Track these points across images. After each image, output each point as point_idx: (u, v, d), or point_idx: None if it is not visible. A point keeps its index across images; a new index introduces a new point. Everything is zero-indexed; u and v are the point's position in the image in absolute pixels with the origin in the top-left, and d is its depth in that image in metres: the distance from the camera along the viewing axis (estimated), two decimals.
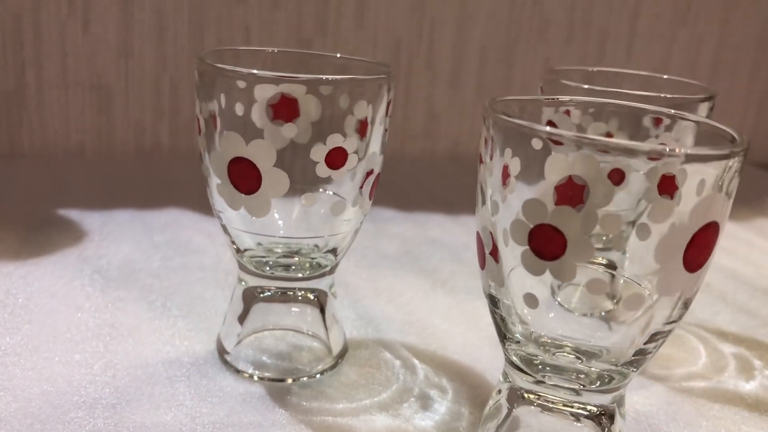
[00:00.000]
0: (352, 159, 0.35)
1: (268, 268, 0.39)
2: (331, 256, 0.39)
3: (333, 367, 0.40)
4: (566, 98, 0.35)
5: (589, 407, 0.32)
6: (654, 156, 0.26)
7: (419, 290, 0.50)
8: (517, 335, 0.31)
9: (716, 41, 0.94)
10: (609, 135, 0.36)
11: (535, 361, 0.31)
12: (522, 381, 0.32)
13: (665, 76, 0.44)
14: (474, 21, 0.82)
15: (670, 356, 0.45)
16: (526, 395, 0.32)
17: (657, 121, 0.36)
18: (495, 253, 0.29)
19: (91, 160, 0.73)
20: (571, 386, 0.31)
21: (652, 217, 0.26)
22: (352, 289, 0.49)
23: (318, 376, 0.39)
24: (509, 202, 0.28)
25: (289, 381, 0.38)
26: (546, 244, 0.27)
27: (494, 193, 0.29)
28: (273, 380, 0.38)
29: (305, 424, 0.35)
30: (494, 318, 0.31)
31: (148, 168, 0.71)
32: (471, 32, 0.83)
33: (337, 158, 0.34)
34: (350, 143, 0.35)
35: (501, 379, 0.33)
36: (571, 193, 0.27)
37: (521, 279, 0.28)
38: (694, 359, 0.44)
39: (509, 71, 0.85)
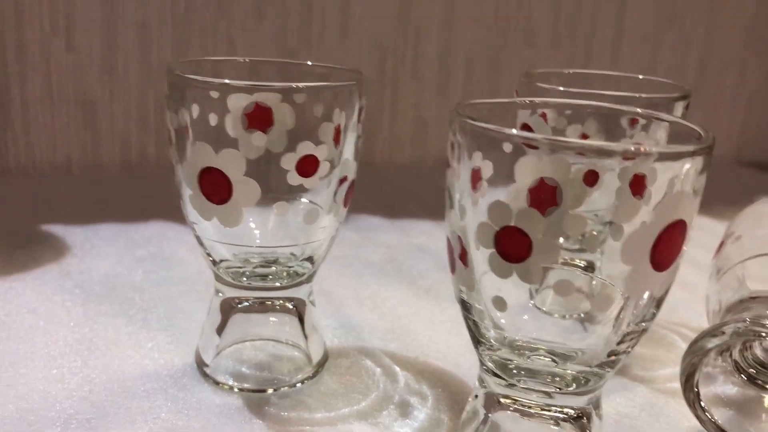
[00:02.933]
0: (324, 166, 0.35)
1: (245, 279, 0.38)
2: (308, 264, 0.39)
3: (313, 376, 0.40)
4: (538, 100, 0.35)
5: (566, 410, 0.31)
6: (610, 154, 0.26)
7: (403, 297, 0.50)
8: (491, 340, 0.31)
9: (703, 42, 0.94)
10: (585, 137, 0.36)
11: (510, 366, 0.31)
12: (497, 386, 0.31)
13: (641, 77, 0.44)
14: (459, 28, 0.82)
15: (654, 357, 0.44)
16: (502, 400, 0.32)
17: (633, 122, 0.35)
18: (464, 257, 0.29)
19: (78, 175, 0.73)
20: (547, 389, 0.31)
21: (617, 217, 0.26)
22: (335, 298, 0.49)
23: (298, 385, 0.39)
24: (480, 206, 0.28)
25: (269, 391, 0.38)
26: (511, 247, 0.27)
27: (462, 197, 0.29)
28: (252, 391, 0.38)
29: None
30: (467, 323, 0.31)
31: (135, 181, 0.71)
32: (456, 39, 0.83)
33: (308, 166, 0.34)
34: (322, 150, 0.34)
35: (477, 384, 0.33)
36: (544, 195, 0.27)
37: (495, 283, 0.28)
38: (679, 360, 0.44)
39: (496, 77, 0.85)
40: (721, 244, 0.44)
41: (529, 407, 0.32)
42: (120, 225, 0.59)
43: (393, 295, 0.50)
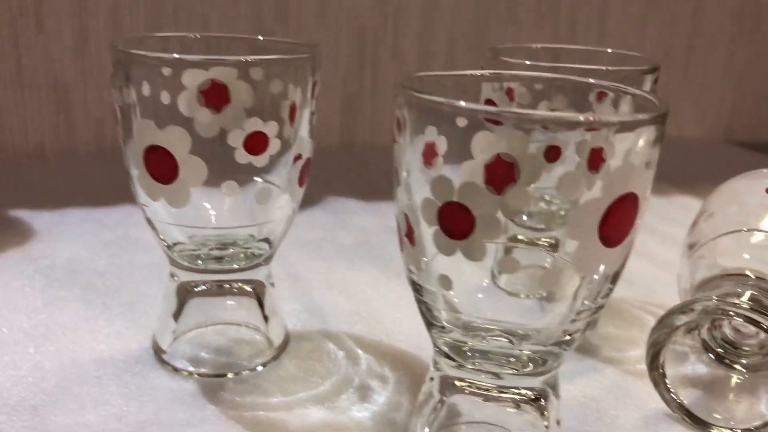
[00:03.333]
0: (274, 144, 0.34)
1: (200, 262, 0.37)
2: (265, 246, 0.38)
3: (273, 360, 0.39)
4: (490, 73, 0.34)
5: (523, 391, 0.31)
6: (565, 124, 0.25)
7: (372, 281, 0.49)
8: (444, 322, 0.29)
9: (690, 20, 0.92)
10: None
11: (464, 348, 0.30)
12: (451, 368, 0.30)
13: (609, 50, 0.43)
14: (441, 7, 0.81)
15: (627, 338, 0.43)
16: (457, 383, 0.31)
17: (600, 97, 0.34)
18: (411, 235, 0.28)
19: (52, 159, 0.72)
20: (503, 371, 0.30)
21: (562, 192, 0.25)
22: (303, 282, 0.48)
23: (258, 369, 0.38)
24: (429, 182, 0.27)
25: (229, 376, 0.37)
26: (454, 223, 0.26)
27: (409, 174, 0.28)
28: (210, 376, 0.37)
29: (236, 420, 0.34)
30: (419, 305, 0.30)
31: (109, 166, 0.70)
32: (438, 19, 0.81)
33: (257, 143, 0.33)
34: (271, 127, 0.33)
35: (431, 367, 0.32)
36: (501, 171, 0.26)
37: (446, 263, 0.27)
38: None
39: (478, 57, 0.84)
40: (695, 222, 0.43)
41: (486, 390, 0.31)
42: (89, 209, 0.58)
43: (363, 278, 0.49)
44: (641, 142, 0.26)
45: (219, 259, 0.38)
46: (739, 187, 0.43)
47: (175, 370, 0.37)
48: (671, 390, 0.35)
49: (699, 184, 0.42)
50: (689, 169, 0.81)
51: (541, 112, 0.28)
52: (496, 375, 0.29)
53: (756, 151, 0.90)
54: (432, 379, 0.32)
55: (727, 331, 0.38)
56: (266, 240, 0.38)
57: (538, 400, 0.31)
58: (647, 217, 0.62)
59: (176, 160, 0.32)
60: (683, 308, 0.34)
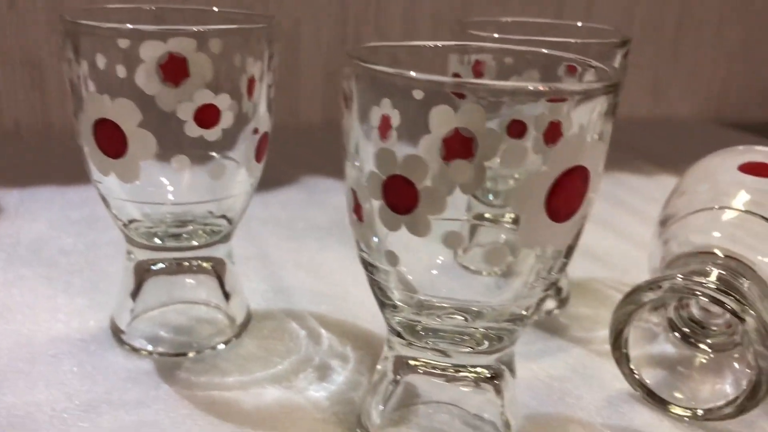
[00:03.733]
0: (226, 116, 0.33)
1: (157, 240, 0.37)
2: (224, 222, 0.37)
3: (233, 339, 0.38)
4: (442, 43, 0.33)
5: (478, 369, 0.30)
6: (520, 95, 0.24)
7: (343, 261, 0.48)
8: (396, 301, 0.29)
9: None
10: None
11: (417, 327, 0.29)
12: (405, 348, 0.30)
13: (579, 24, 0.42)
14: None
15: (596, 318, 0.43)
16: (411, 362, 0.30)
17: (570, 70, 0.33)
18: (359, 211, 0.27)
19: (27, 137, 0.71)
20: (458, 349, 0.29)
21: (504, 164, 0.24)
22: (272, 261, 0.47)
23: (218, 348, 0.37)
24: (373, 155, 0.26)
25: (190, 355, 0.36)
26: (398, 197, 0.25)
27: (357, 148, 0.27)
28: (169, 355, 0.36)
29: (189, 399, 0.33)
30: (370, 284, 0.29)
31: None
32: None
33: (207, 116, 0.32)
34: (222, 100, 0.32)
35: (385, 346, 0.31)
36: (459, 146, 0.25)
37: (401, 240, 0.26)
38: None
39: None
40: (667, 200, 0.42)
41: (441, 369, 0.30)
42: (59, 188, 0.57)
43: (333, 258, 0.49)
44: (596, 113, 0.25)
45: (177, 236, 0.37)
46: (712, 164, 0.42)
47: (134, 349, 0.37)
48: (634, 369, 0.35)
49: (684, 165, 0.41)
50: (676, 149, 0.80)
51: (486, 81, 0.27)
52: (451, 354, 0.29)
53: (745, 132, 0.89)
54: (386, 358, 0.31)
55: (695, 310, 0.38)
56: (225, 217, 0.37)
57: (493, 379, 0.30)
58: (628, 198, 0.62)
59: (125, 133, 0.32)
60: (649, 285, 0.34)
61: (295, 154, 0.67)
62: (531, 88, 0.23)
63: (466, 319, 0.29)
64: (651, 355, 0.36)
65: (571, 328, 0.41)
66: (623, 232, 0.56)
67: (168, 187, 0.35)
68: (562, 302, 0.44)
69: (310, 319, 0.41)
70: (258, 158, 0.36)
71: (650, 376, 0.35)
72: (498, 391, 0.30)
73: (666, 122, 0.93)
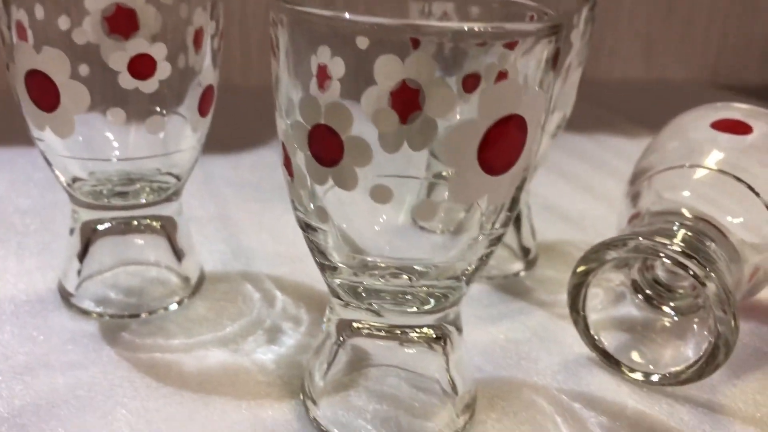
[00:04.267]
0: (163, 67, 0.31)
1: (104, 198, 0.35)
2: (172, 179, 0.36)
3: (184, 301, 0.37)
4: None
5: (425, 330, 0.29)
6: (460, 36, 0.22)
7: None
8: (336, 262, 0.27)
9: None
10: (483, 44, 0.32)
11: (359, 289, 0.28)
12: (347, 310, 0.29)
13: None
14: None
15: (562, 281, 0.41)
16: (354, 324, 0.29)
17: (532, 20, 0.32)
18: (289, 165, 0.26)
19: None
20: (402, 310, 0.28)
21: (432, 111, 0.22)
22: (233, 223, 0.46)
23: (168, 309, 0.36)
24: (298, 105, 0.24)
25: (139, 317, 0.35)
26: (324, 148, 0.23)
27: (286, 99, 0.25)
28: (117, 317, 0.35)
29: (130, 361, 0.32)
30: (308, 245, 0.28)
31: None
32: None
33: (142, 67, 0.31)
34: (158, 49, 0.31)
35: (327, 309, 0.30)
36: (405, 99, 0.23)
37: (342, 197, 0.25)
38: None
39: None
40: (639, 159, 0.41)
41: (386, 330, 0.29)
42: (23, 148, 0.56)
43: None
44: (533, 59, 0.23)
45: (123, 194, 0.36)
46: (684, 121, 0.41)
47: (82, 312, 0.36)
48: (591, 331, 0.33)
49: None
50: (664, 111, 0.78)
51: (433, 23, 0.25)
52: (395, 315, 0.27)
53: (741, 94, 0.86)
54: (329, 320, 0.30)
55: (660, 272, 0.36)
56: (172, 174, 0.36)
57: (439, 339, 0.29)
58: (610, 159, 0.60)
59: (57, 85, 0.30)
60: (612, 244, 0.32)
61: (269, 114, 0.65)
62: (476, 28, 0.22)
63: (410, 279, 0.28)
64: (612, 318, 0.35)
65: (536, 291, 0.40)
66: (601, 195, 0.54)
67: (113, 143, 0.34)
68: (529, 264, 0.43)
69: (266, 281, 0.39)
70: (202, 112, 0.34)
71: (610, 339, 0.34)
72: (444, 351, 0.29)
73: (659, 85, 0.91)
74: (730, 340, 0.30)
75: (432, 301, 0.28)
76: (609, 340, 0.34)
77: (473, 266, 0.27)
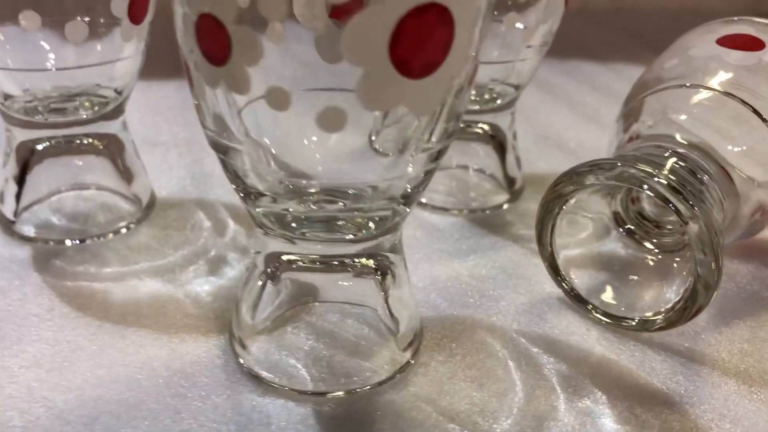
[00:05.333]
0: None
1: (39, 115, 0.33)
2: (113, 93, 0.33)
3: (129, 227, 0.34)
4: None
5: (363, 261, 0.26)
6: None
7: None
8: (259, 188, 0.24)
9: None
10: None
11: (288, 218, 0.25)
12: (277, 242, 0.25)
13: None
14: None
15: None
16: (285, 257, 0.26)
17: None
18: (188, 72, 0.22)
19: None
20: (336, 238, 0.25)
21: None
22: (200, 148, 0.43)
23: (108, 237, 0.34)
24: None
25: (87, 242, 0.33)
26: (210, 42, 0.20)
27: None
28: (58, 243, 0.33)
29: (55, 290, 0.30)
30: (225, 170, 0.24)
31: None
32: None
33: None
34: None
35: (254, 240, 0.27)
36: None
37: (270, 115, 0.21)
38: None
39: None
40: (638, 79, 0.36)
41: (320, 262, 0.26)
42: None
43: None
44: None
45: (61, 110, 0.33)
46: (687, 37, 0.36)
47: (23, 238, 0.34)
48: (560, 266, 0.30)
49: None
50: None
51: None
52: (329, 244, 0.24)
53: None
54: (258, 253, 0.27)
55: (646, 205, 0.32)
56: (113, 89, 0.33)
57: (377, 271, 0.26)
58: (624, 88, 0.55)
59: None
60: (584, 170, 0.28)
61: None
62: None
63: (344, 204, 0.25)
64: (593, 254, 0.31)
65: (515, 225, 0.37)
66: (608, 124, 0.50)
67: (50, 54, 0.31)
68: (514, 195, 0.39)
69: (221, 210, 0.37)
70: (134, 19, 0.31)
71: (585, 277, 0.30)
72: (384, 285, 0.26)
73: (694, 14, 0.84)
74: (710, 282, 0.26)
75: (372, 225, 0.25)
76: (584, 278, 0.30)
77: (411, 186, 0.24)
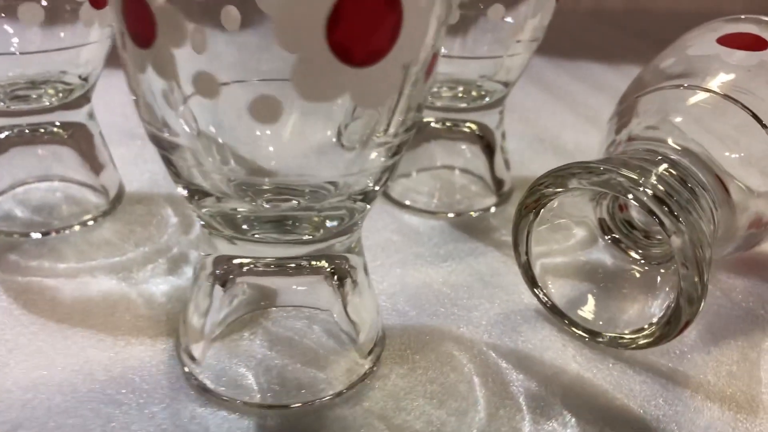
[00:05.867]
0: None
1: (2, 103, 0.31)
2: (77, 80, 0.31)
3: (93, 221, 0.33)
4: None
5: (321, 263, 0.24)
6: None
7: None
8: (204, 185, 0.22)
9: None
10: None
11: (237, 218, 0.23)
12: (226, 244, 0.24)
13: None
14: None
15: None
16: (236, 261, 0.24)
17: None
18: (122, 59, 0.21)
19: None
20: (290, 239, 0.23)
21: None
22: None
23: (72, 230, 0.32)
24: None
25: (52, 235, 0.32)
26: (136, 21, 0.18)
27: None
28: (21, 235, 0.32)
29: (3, 284, 0.28)
30: (167, 167, 0.23)
31: None
32: None
33: None
34: None
35: (202, 243, 0.25)
36: None
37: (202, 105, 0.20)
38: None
39: None
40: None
41: (275, 265, 0.24)
42: None
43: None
44: None
45: (24, 98, 0.31)
46: (688, 37, 0.34)
47: None
48: (536, 275, 0.28)
49: None
50: None
51: None
52: (282, 246, 0.23)
53: None
54: (207, 255, 0.25)
55: (634, 213, 0.30)
56: (79, 76, 0.31)
57: (334, 275, 0.24)
58: (619, 84, 0.52)
59: None
60: (574, 170, 0.26)
61: None
62: None
63: (298, 203, 0.23)
64: (571, 261, 0.29)
65: (499, 230, 0.35)
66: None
67: (13, 39, 0.30)
68: (502, 198, 0.37)
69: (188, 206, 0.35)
70: (96, 3, 0.29)
71: (564, 288, 0.28)
72: (342, 290, 0.24)
73: (713, 16, 0.81)
74: (694, 297, 0.24)
75: (329, 224, 0.23)
76: (564, 289, 0.28)
77: (371, 183, 0.22)
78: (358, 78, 0.18)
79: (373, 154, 0.21)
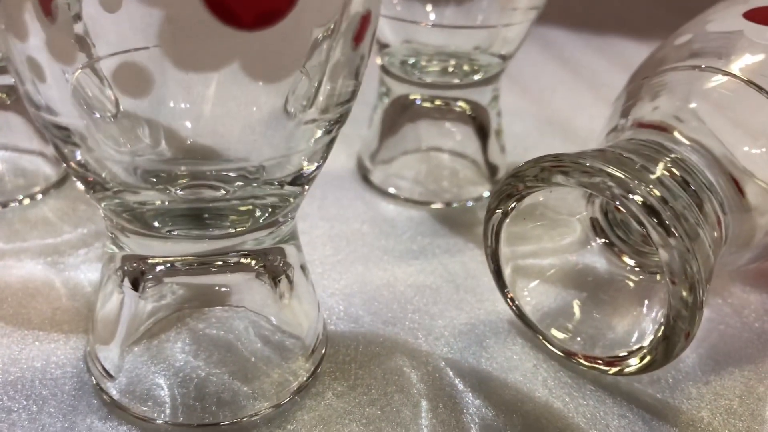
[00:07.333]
0: None
1: None
2: None
3: (32, 198, 0.30)
4: None
5: (249, 260, 0.21)
6: None
7: None
8: (103, 174, 0.19)
9: None
10: None
11: (148, 211, 0.19)
12: (136, 242, 0.20)
13: None
14: None
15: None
16: (151, 261, 0.21)
17: None
18: None
19: None
20: (214, 233, 0.20)
21: None
22: None
23: (9, 206, 0.29)
24: None
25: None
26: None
27: None
28: None
29: None
30: (57, 152, 0.19)
31: None
32: None
33: None
34: None
35: (108, 242, 0.22)
36: None
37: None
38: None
39: None
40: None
41: (200, 264, 0.21)
42: None
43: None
44: None
45: None
46: (712, 10, 0.29)
47: None
48: (505, 278, 0.24)
49: None
50: None
51: None
52: (205, 241, 0.19)
53: None
54: (112, 257, 0.21)
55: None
56: None
57: (266, 273, 0.21)
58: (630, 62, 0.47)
59: None
60: (561, 165, 0.22)
61: None
62: None
63: (226, 192, 0.19)
64: (557, 265, 0.25)
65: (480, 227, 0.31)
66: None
67: None
68: (496, 186, 0.33)
69: None
70: None
71: (544, 296, 0.24)
72: (278, 289, 0.21)
73: None
74: (683, 316, 0.20)
75: (258, 214, 0.20)
76: (543, 297, 0.24)
77: (305, 165, 0.19)
78: (247, 43, 0.15)
79: (304, 131, 0.18)
